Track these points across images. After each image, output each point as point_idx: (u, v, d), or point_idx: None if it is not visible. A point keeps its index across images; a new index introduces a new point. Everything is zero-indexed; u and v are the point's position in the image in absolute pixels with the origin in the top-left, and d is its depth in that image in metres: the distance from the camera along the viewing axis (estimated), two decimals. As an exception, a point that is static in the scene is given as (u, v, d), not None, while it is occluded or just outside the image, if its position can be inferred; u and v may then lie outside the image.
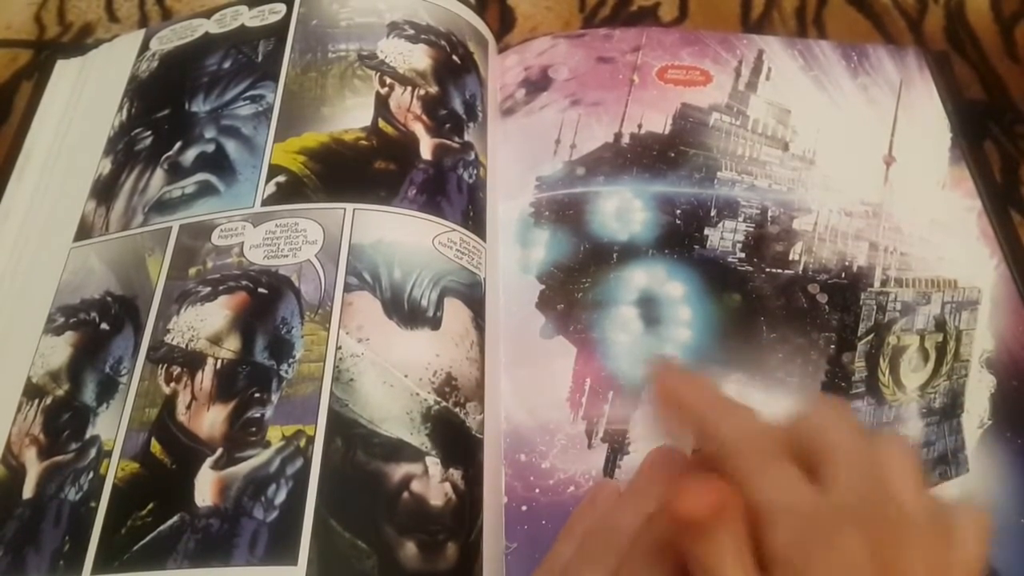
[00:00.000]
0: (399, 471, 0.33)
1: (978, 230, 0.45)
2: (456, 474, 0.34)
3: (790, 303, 0.42)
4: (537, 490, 0.37)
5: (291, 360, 0.35)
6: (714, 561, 0.26)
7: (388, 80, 0.45)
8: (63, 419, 0.36)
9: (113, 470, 0.34)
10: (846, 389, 0.39)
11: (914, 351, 0.41)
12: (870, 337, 0.41)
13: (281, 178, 0.41)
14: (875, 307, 0.42)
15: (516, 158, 0.47)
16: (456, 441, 0.35)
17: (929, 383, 0.40)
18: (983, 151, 0.48)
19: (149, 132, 0.45)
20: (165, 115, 0.46)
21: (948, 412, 0.39)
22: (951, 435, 0.38)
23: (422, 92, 0.45)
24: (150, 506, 0.33)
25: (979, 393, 0.40)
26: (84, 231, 0.43)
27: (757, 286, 0.42)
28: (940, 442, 0.38)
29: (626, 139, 0.47)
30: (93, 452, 0.35)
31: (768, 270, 0.43)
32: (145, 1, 0.58)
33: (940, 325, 0.41)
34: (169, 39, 0.50)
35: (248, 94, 0.45)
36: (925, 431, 0.38)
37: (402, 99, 0.44)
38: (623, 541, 0.32)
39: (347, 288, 0.37)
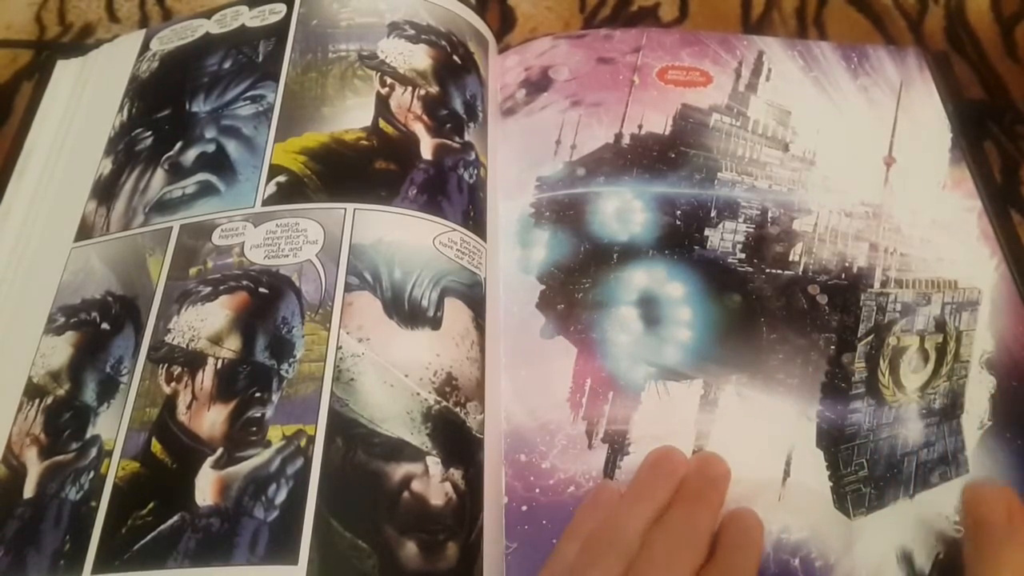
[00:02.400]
0: (399, 471, 0.33)
1: (978, 230, 0.45)
2: (456, 474, 0.34)
3: (790, 304, 0.42)
4: (537, 490, 0.37)
5: (292, 360, 0.35)
6: (992, 562, 0.30)
7: (389, 80, 0.45)
8: (64, 419, 0.36)
9: (114, 470, 0.34)
10: (846, 390, 0.39)
11: (914, 352, 0.41)
12: (870, 338, 0.41)
13: (282, 178, 0.41)
14: (875, 308, 0.42)
15: (516, 158, 0.47)
16: (456, 441, 0.35)
17: (929, 384, 0.40)
18: (983, 151, 0.48)
19: (149, 132, 0.45)
20: (165, 115, 0.46)
21: (948, 413, 0.39)
22: (951, 436, 0.39)
23: (423, 92, 0.45)
24: (151, 506, 0.33)
25: (979, 394, 0.40)
26: (85, 231, 0.43)
27: (757, 287, 0.42)
28: (940, 443, 0.38)
29: (626, 140, 0.47)
30: (94, 452, 0.35)
31: (768, 271, 0.43)
32: (145, 1, 0.58)
33: (940, 326, 0.41)
34: (169, 39, 0.50)
35: (248, 94, 0.45)
36: (925, 432, 0.38)
37: (403, 99, 0.44)
38: (628, 542, 0.32)
39: (348, 288, 0.37)
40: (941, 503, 0.37)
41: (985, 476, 0.37)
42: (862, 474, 0.37)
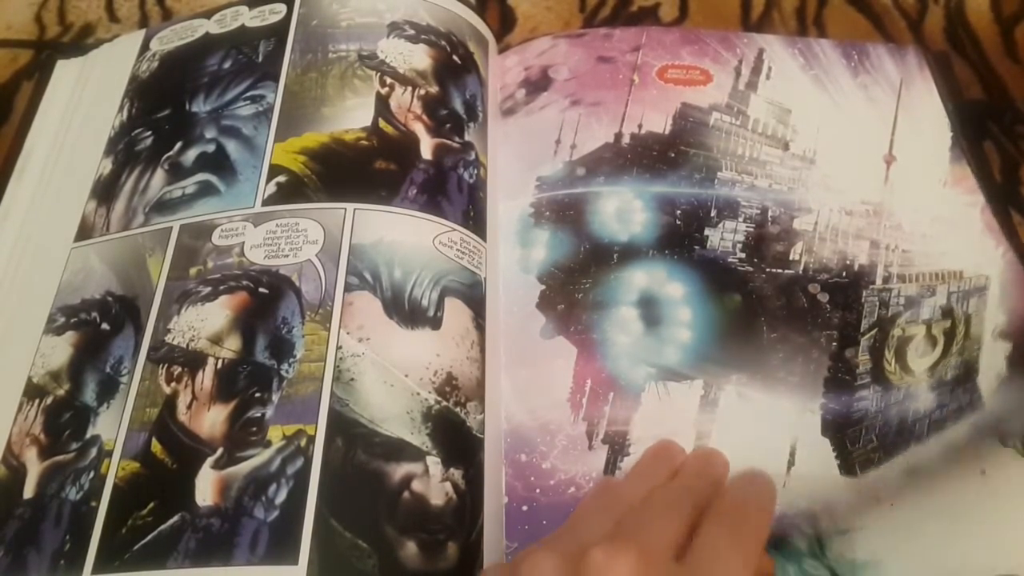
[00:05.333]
0: (400, 471, 0.33)
1: (981, 224, 0.44)
2: (457, 474, 0.34)
3: (791, 303, 0.42)
4: (538, 490, 0.37)
5: (292, 360, 0.35)
6: None
7: (388, 80, 0.45)
8: (64, 419, 0.36)
9: (114, 470, 0.34)
10: (851, 382, 0.39)
11: (921, 339, 0.40)
12: (873, 332, 0.41)
13: (282, 178, 0.41)
14: (877, 303, 0.41)
15: (516, 158, 0.47)
16: (457, 441, 0.35)
17: (938, 364, 0.40)
18: (983, 151, 0.48)
19: (149, 132, 0.45)
20: (165, 115, 0.46)
21: (962, 380, 0.39)
22: (965, 395, 0.39)
23: (422, 92, 0.45)
24: (151, 506, 0.33)
25: (994, 358, 0.40)
26: (85, 231, 0.43)
27: (757, 286, 0.42)
28: (955, 403, 0.38)
29: (626, 139, 0.47)
30: (94, 452, 0.35)
31: (768, 270, 0.43)
32: (145, 1, 0.58)
33: (947, 313, 0.41)
34: (169, 39, 0.50)
35: (248, 94, 0.45)
36: (938, 399, 0.39)
37: (402, 99, 0.44)
38: (624, 507, 0.31)
39: (348, 288, 0.37)
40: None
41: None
42: (871, 447, 0.37)
